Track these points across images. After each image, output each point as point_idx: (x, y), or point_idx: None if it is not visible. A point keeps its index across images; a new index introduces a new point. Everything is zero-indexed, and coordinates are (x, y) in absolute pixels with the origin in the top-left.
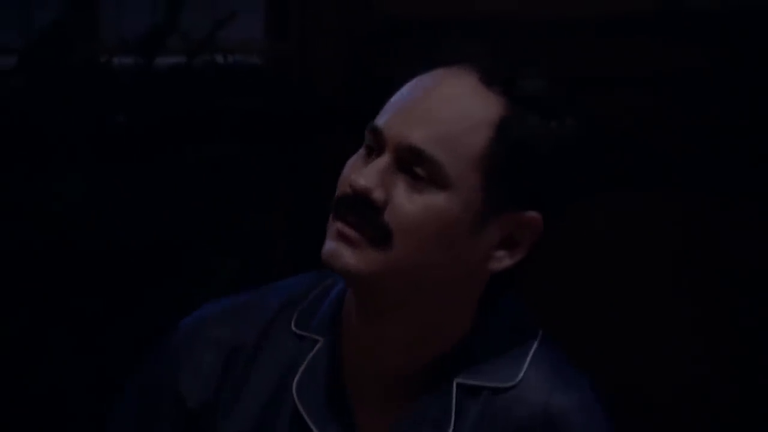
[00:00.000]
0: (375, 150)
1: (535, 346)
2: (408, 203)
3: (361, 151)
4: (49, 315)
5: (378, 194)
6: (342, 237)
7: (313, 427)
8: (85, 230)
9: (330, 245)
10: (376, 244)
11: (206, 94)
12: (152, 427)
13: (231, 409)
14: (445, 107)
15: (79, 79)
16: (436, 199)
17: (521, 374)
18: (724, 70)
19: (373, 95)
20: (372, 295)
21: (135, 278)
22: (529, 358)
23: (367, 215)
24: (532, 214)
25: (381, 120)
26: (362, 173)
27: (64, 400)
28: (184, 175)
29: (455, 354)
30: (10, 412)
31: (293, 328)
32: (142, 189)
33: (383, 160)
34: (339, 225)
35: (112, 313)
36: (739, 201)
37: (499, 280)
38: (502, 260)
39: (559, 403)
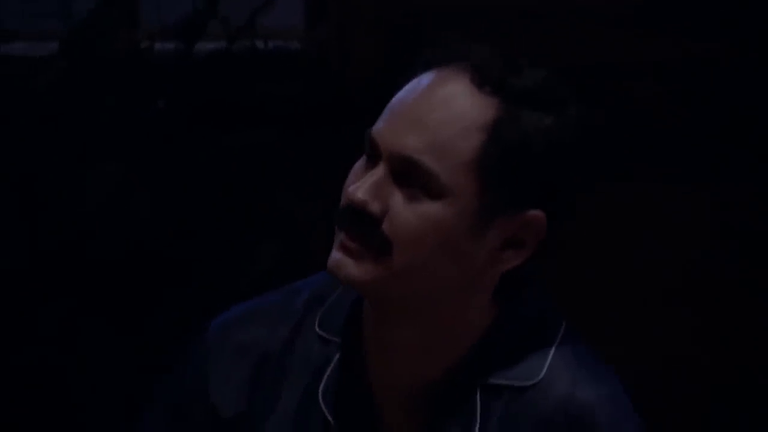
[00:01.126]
0: (373, 157)
1: (557, 339)
2: (405, 213)
3: (363, 157)
4: (91, 301)
5: (374, 207)
6: (344, 248)
7: None
8: (125, 215)
9: (334, 256)
10: (377, 255)
11: (246, 80)
12: None
13: (264, 419)
14: (436, 113)
15: (120, 66)
16: (432, 209)
17: (544, 370)
18: (732, 61)
19: (411, 81)
20: (379, 303)
21: (175, 264)
22: (551, 353)
23: (366, 227)
24: (534, 213)
25: (376, 127)
26: (359, 186)
27: (104, 388)
28: (223, 161)
29: (476, 354)
30: (48, 399)
31: (317, 330)
32: (182, 174)
33: (379, 171)
34: (342, 236)
35: (154, 298)
36: (742, 192)
37: (515, 275)
38: (509, 261)
39: (583, 396)
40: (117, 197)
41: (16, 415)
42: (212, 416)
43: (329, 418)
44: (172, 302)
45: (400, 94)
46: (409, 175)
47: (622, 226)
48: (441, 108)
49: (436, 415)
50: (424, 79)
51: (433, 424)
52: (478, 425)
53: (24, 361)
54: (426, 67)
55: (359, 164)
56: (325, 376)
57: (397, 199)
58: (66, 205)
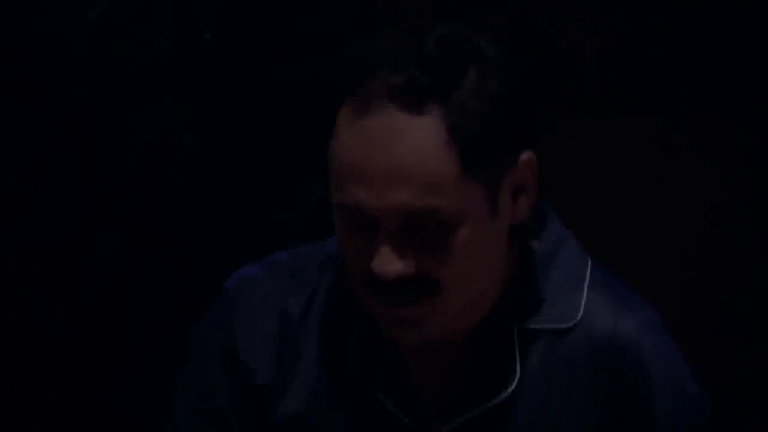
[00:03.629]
0: (366, 224)
1: (587, 275)
2: (437, 257)
3: (348, 225)
4: (140, 238)
5: (409, 269)
6: (401, 321)
7: (375, 392)
8: (176, 150)
9: (394, 331)
10: (432, 303)
11: (294, 13)
12: (211, 397)
13: (287, 386)
14: (403, 159)
15: None
16: (457, 238)
17: (581, 310)
18: None
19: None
20: None
21: (223, 199)
22: (585, 291)
23: (410, 290)
24: (524, 156)
25: (354, 198)
26: (382, 260)
27: (156, 320)
28: (270, 95)
29: (508, 301)
30: (101, 332)
31: (336, 291)
32: (229, 109)
33: (387, 235)
34: (393, 311)
35: (200, 233)
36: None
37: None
38: (523, 207)
39: (625, 329)
40: (166, 132)
41: (70, 345)
42: (244, 376)
43: (359, 377)
44: (219, 236)
45: (351, 155)
46: (418, 223)
47: (625, 161)
48: (403, 154)
49: (473, 364)
50: (363, 129)
51: (470, 374)
52: (518, 372)
53: (78, 295)
54: (347, 92)
55: (350, 232)
56: (354, 336)
57: (422, 247)
58: (117, 140)
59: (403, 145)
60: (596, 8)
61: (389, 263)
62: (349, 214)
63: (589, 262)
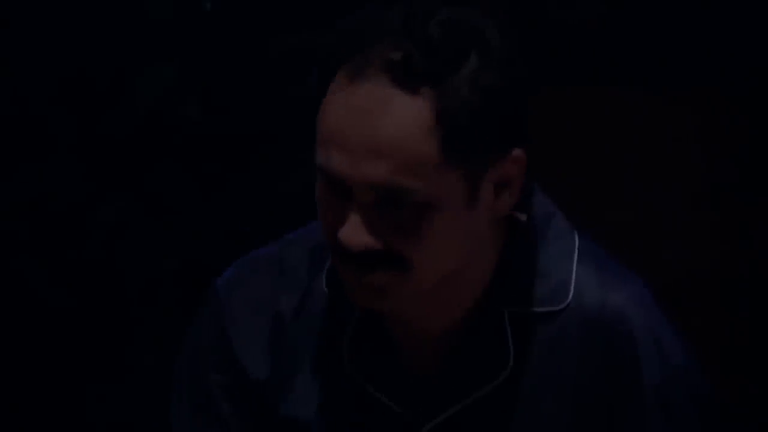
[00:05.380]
0: (341, 188)
1: (575, 253)
2: (410, 236)
3: (325, 184)
4: (141, 202)
5: (377, 243)
6: (367, 287)
7: (371, 387)
8: (175, 117)
9: (360, 295)
10: (400, 275)
11: None
12: (209, 405)
13: (286, 386)
14: (383, 134)
15: None
16: (432, 222)
17: (571, 291)
18: None
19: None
20: None
21: (220, 166)
22: (574, 270)
23: (377, 260)
24: (513, 153)
25: (331, 161)
26: (349, 230)
27: (154, 285)
28: (271, 64)
29: (498, 285)
30: (99, 296)
31: (325, 288)
32: (230, 77)
33: (359, 206)
34: (359, 276)
35: (199, 201)
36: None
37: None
38: (507, 203)
39: (614, 302)
40: (167, 101)
41: (66, 308)
42: (239, 375)
43: (357, 373)
44: (219, 205)
45: (336, 119)
46: (391, 200)
47: (609, 132)
48: (385, 128)
49: (466, 352)
50: (352, 96)
51: (464, 362)
52: (512, 356)
53: (77, 259)
54: (341, 62)
55: (327, 195)
56: (346, 334)
57: (393, 225)
58: (116, 108)
59: (387, 118)
60: None
61: (356, 235)
62: (328, 177)
63: (576, 238)
